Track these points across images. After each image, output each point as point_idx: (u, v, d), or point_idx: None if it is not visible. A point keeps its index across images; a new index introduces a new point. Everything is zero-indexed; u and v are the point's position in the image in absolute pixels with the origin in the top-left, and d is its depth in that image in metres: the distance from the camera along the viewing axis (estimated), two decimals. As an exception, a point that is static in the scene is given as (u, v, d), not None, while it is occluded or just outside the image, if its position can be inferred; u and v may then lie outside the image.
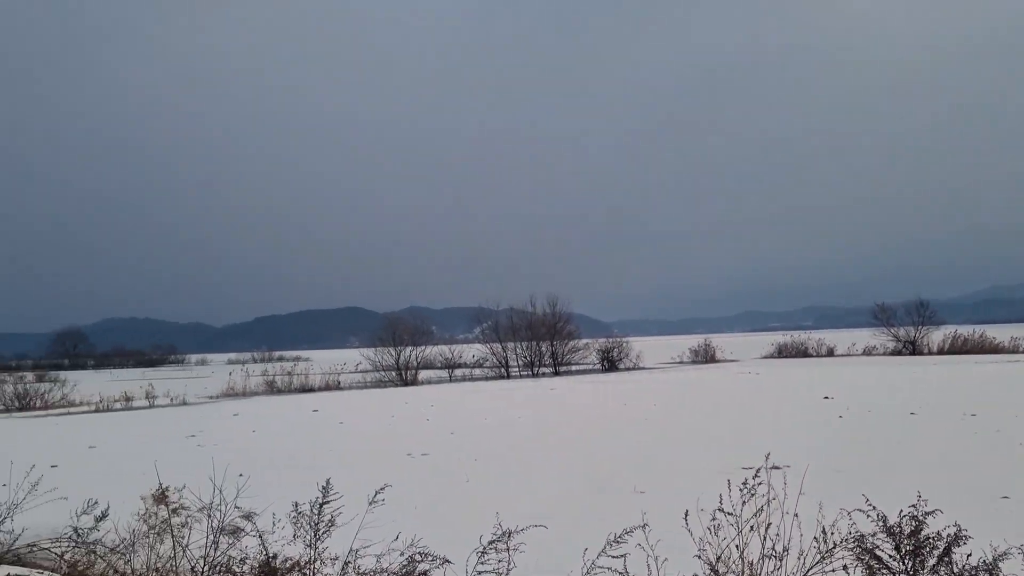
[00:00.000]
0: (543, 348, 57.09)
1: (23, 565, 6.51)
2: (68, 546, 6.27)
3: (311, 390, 45.52)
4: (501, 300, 60.14)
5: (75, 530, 6.13)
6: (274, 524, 5.69)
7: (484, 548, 4.89)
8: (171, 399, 39.41)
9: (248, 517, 5.68)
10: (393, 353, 51.92)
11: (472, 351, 59.40)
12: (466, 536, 8.54)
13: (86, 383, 55.10)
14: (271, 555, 5.28)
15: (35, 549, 6.80)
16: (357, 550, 5.37)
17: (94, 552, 5.97)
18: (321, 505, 5.29)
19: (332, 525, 5.25)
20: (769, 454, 7.66)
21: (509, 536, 4.92)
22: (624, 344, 59.81)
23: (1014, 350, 57.53)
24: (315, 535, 5.19)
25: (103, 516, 6.30)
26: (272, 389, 45.68)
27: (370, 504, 5.48)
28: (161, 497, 6.08)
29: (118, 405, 36.38)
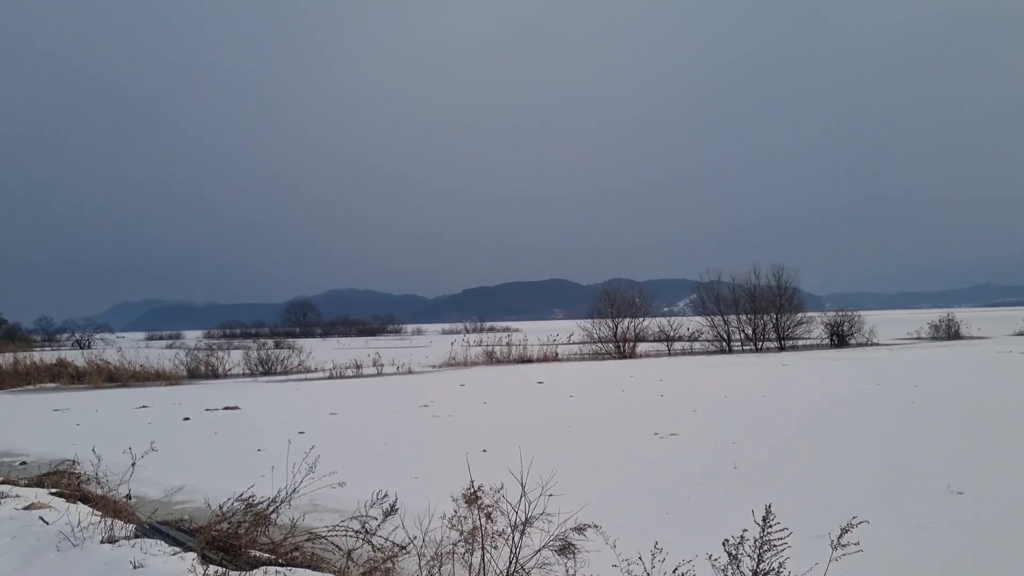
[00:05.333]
0: (766, 321, 53.93)
1: (302, 561, 5.78)
2: (356, 542, 5.49)
3: (529, 361, 45.28)
4: (723, 272, 56.90)
5: (363, 525, 5.31)
6: (662, 553, 4.42)
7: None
8: (397, 367, 40.42)
9: (582, 530, 4.56)
10: (611, 324, 50.77)
11: (689, 324, 57.12)
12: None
13: (317, 350, 58.17)
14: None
15: (313, 538, 6.09)
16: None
17: (392, 558, 5.12)
18: (762, 545, 3.88)
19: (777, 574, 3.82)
20: None
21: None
22: (856, 318, 55.42)
23: None
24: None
25: (392, 511, 5.43)
26: (491, 359, 45.88)
27: (835, 548, 3.97)
28: (473, 498, 5.10)
29: (349, 372, 37.67)
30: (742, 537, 3.90)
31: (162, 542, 5.98)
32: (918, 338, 59.31)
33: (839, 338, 54.39)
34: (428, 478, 11.56)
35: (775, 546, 3.83)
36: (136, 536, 6.23)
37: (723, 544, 3.99)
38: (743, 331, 54.23)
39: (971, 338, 56.68)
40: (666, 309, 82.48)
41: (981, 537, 7.87)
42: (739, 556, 3.87)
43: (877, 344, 52.37)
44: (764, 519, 3.92)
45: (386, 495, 5.60)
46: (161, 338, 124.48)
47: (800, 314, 55.27)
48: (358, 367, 38.72)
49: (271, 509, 6.31)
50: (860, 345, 52.20)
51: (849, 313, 56.41)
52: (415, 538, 5.42)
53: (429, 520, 5.61)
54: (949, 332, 58.89)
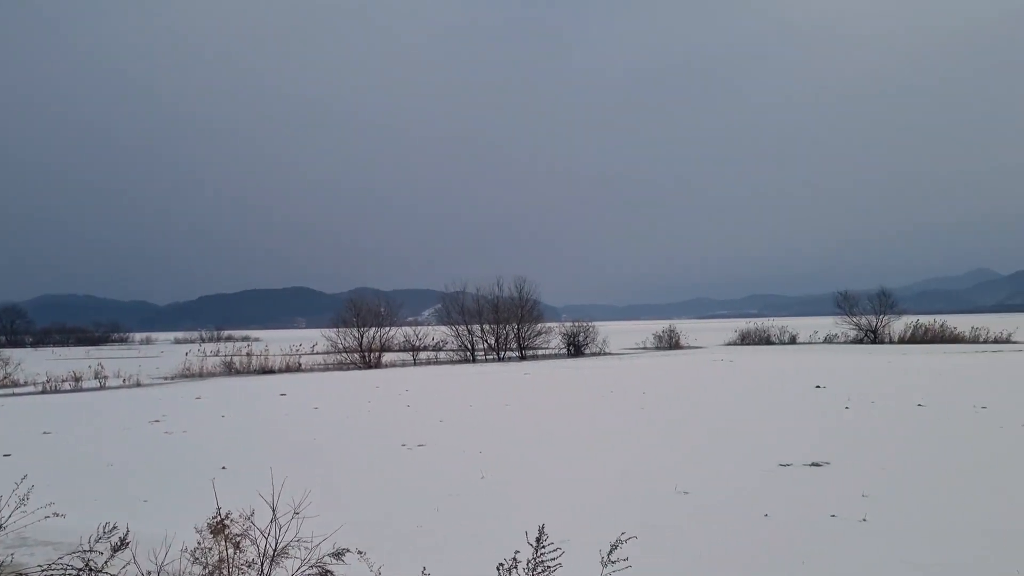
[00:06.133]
0: (508, 331, 55.89)
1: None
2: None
3: (271, 371, 43.66)
4: (467, 283, 58.24)
5: (86, 562, 4.67)
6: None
7: None
8: (124, 380, 37.35)
9: (340, 555, 4.28)
10: (356, 334, 50.16)
11: (435, 333, 57.90)
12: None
13: (28, 361, 52.32)
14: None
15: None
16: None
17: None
18: (535, 567, 3.74)
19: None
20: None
21: None
22: (590, 329, 58.86)
23: (975, 340, 58.02)
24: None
25: (122, 544, 4.82)
26: (231, 370, 43.72)
27: (605, 564, 3.95)
28: (219, 528, 4.63)
29: (67, 386, 34.15)
30: (515, 560, 3.87)
31: None
32: (644, 348, 64.19)
33: (576, 348, 57.43)
34: (161, 502, 10.65)
35: (549, 567, 3.85)
36: None
37: (497, 568, 3.94)
38: (486, 340, 55.81)
39: (689, 347, 62.26)
40: (411, 319, 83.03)
41: (708, 533, 8.51)
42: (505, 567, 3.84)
43: (609, 353, 55.98)
44: (538, 540, 3.93)
45: (115, 527, 4.98)
46: None
47: (540, 324, 57.81)
48: (77, 380, 35.22)
49: (-30, 549, 5.43)
50: (595, 354, 55.48)
51: (585, 324, 59.73)
52: (149, 574, 4.86)
53: (166, 552, 5.08)
54: (671, 342, 64.24)
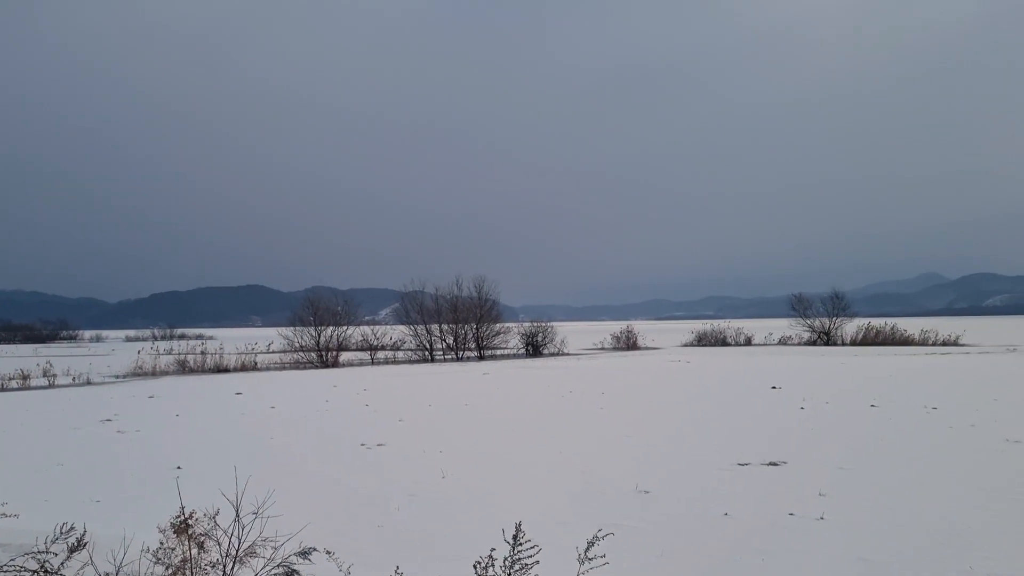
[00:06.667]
0: (467, 331, 55.77)
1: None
2: (31, 584, 4.64)
3: (226, 370, 43.04)
4: (426, 282, 57.98)
5: (42, 564, 4.52)
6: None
7: None
8: (73, 378, 36.58)
9: (307, 554, 4.20)
10: (313, 333, 49.66)
11: (393, 333, 57.58)
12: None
13: (-27, 359, 51.04)
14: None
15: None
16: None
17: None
18: (512, 564, 3.70)
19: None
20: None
21: None
22: (549, 329, 58.95)
23: (924, 343, 59.25)
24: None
25: (80, 545, 4.68)
26: (184, 369, 43.02)
27: (583, 561, 3.94)
28: (183, 527, 4.51)
29: (14, 384, 33.35)
30: (491, 558, 3.84)
31: None
32: (602, 348, 64.45)
33: (534, 348, 57.46)
34: (115, 502, 10.42)
35: (526, 564, 3.82)
36: None
37: (474, 567, 3.89)
38: (445, 340, 55.62)
39: (646, 348, 62.66)
40: (369, 318, 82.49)
41: (669, 532, 8.56)
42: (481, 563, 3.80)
43: (568, 354, 56.08)
44: (515, 537, 3.89)
45: (72, 527, 4.83)
46: None
47: (499, 324, 57.74)
48: (25, 378, 34.43)
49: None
50: (553, 355, 55.54)
51: (543, 324, 59.77)
52: (107, 575, 4.73)
53: (124, 553, 4.95)
54: (628, 343, 64.58)
